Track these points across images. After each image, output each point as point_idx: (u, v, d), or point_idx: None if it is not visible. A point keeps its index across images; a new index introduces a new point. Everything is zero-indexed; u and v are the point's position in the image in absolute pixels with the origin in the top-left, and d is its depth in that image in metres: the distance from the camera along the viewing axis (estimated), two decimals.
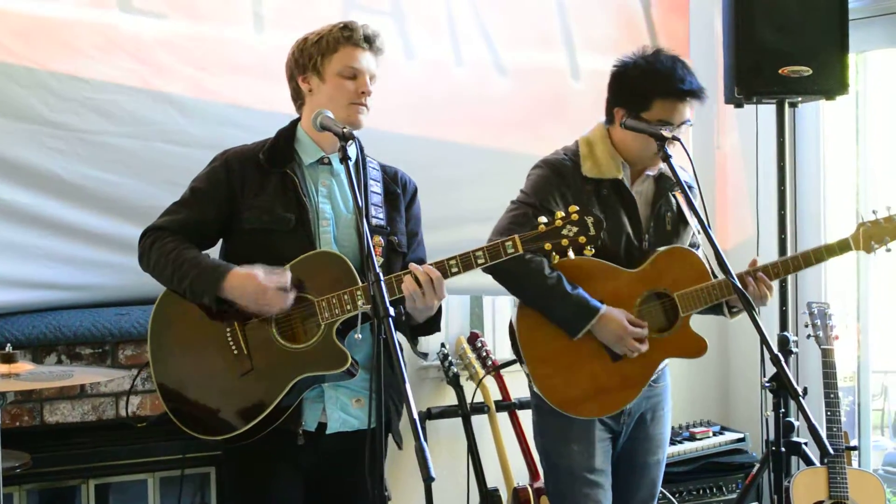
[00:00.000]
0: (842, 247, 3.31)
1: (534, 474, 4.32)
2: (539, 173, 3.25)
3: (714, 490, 4.74)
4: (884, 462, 5.58)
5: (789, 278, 4.51)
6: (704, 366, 4.38)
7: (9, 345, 2.98)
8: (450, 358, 4.50)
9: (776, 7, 4.34)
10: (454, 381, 4.43)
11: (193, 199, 2.94)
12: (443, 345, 4.57)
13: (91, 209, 3.72)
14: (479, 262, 2.79)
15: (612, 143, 3.26)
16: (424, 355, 3.62)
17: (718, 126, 5.29)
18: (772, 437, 3.04)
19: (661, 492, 4.43)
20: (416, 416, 2.16)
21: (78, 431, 3.84)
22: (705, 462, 4.82)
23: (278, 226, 2.85)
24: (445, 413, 4.48)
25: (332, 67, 2.88)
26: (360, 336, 2.75)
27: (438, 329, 3.03)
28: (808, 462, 4.06)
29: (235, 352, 2.82)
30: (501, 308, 4.96)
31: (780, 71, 4.30)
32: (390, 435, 2.97)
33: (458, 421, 4.39)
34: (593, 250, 2.75)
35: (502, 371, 4.47)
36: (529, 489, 4.32)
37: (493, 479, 4.36)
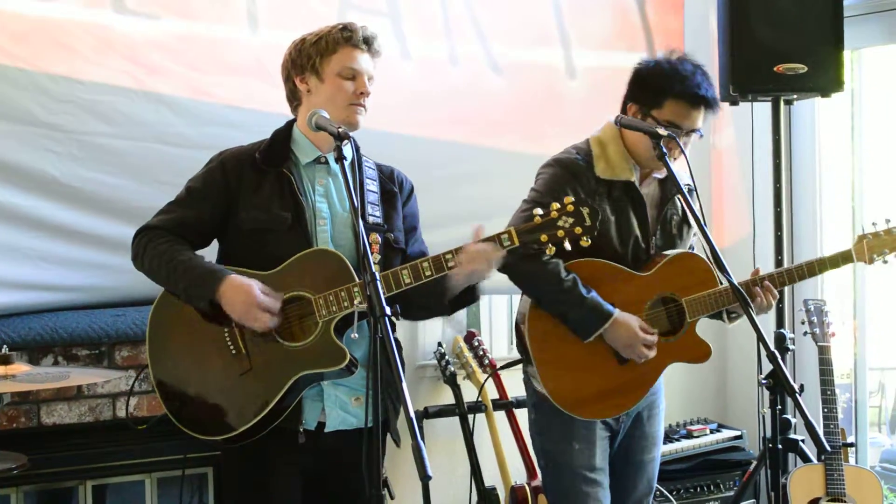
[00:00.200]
0: (844, 258, 3.34)
1: (531, 473, 4.32)
2: (552, 172, 3.23)
3: (711, 487, 4.75)
4: (881, 459, 5.59)
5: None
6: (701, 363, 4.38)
7: (5, 346, 2.98)
8: (447, 357, 4.50)
9: (771, 4, 4.35)
10: (451, 381, 4.43)
11: (189, 198, 2.94)
12: (440, 344, 4.57)
13: (86, 210, 3.72)
14: (450, 265, 2.78)
15: (625, 143, 3.25)
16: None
17: (714, 124, 5.29)
18: (769, 434, 3.04)
19: (659, 489, 4.46)
20: (412, 415, 2.17)
21: (75, 433, 3.84)
22: (702, 459, 4.82)
23: (275, 225, 2.85)
24: (443, 412, 4.48)
25: (331, 68, 2.88)
26: (356, 335, 2.74)
27: (478, 298, 3.01)
28: (806, 459, 4.06)
29: (234, 351, 2.82)
30: (498, 307, 4.96)
31: (775, 68, 4.30)
32: (388, 434, 2.98)
33: (456, 420, 4.39)
34: (589, 241, 2.74)
35: (496, 370, 4.48)
36: (527, 488, 4.32)
37: (491, 477, 4.37)
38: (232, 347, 2.82)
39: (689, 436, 4.88)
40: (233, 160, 2.94)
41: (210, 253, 2.97)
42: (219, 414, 2.84)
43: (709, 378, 5.31)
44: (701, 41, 4.91)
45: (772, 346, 2.76)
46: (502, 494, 4.37)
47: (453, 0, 4.38)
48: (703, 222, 3.01)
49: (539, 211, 2.77)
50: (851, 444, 4.18)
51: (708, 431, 4.94)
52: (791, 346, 4.17)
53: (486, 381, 4.33)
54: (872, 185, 5.13)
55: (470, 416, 4.36)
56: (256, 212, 2.86)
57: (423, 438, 2.14)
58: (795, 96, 4.53)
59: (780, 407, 2.95)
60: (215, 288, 2.76)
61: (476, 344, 4.58)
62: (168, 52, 3.79)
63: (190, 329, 2.86)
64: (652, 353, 3.17)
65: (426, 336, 4.74)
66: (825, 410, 3.97)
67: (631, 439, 3.38)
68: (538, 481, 4.17)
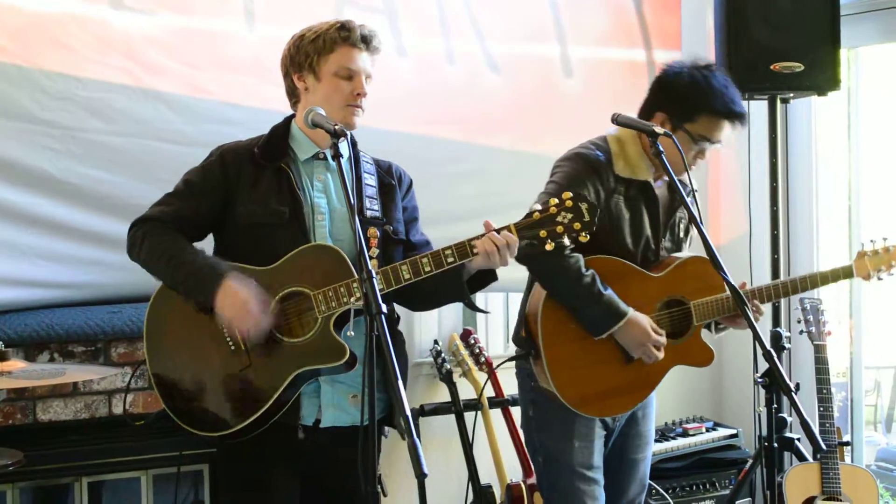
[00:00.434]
0: (845, 273, 3.42)
1: (527, 471, 4.32)
2: (573, 167, 3.22)
3: (707, 486, 4.75)
4: (876, 457, 5.59)
5: (782, 276, 4.51)
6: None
7: (1, 343, 2.97)
8: (443, 355, 4.50)
9: (768, 3, 4.36)
10: (447, 378, 4.43)
11: (187, 190, 2.93)
12: (436, 342, 4.58)
13: (83, 207, 3.72)
14: (475, 251, 2.78)
15: (643, 144, 3.25)
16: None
17: None
18: (764, 432, 3.04)
19: (655, 487, 4.46)
20: (408, 412, 2.16)
21: (71, 429, 3.83)
22: (698, 458, 4.83)
23: (272, 219, 2.85)
24: (439, 410, 4.48)
25: (328, 67, 2.88)
26: (352, 333, 2.74)
27: (496, 278, 2.98)
28: (801, 458, 4.06)
29: (233, 347, 2.81)
30: (494, 305, 4.96)
31: (771, 67, 4.31)
32: (389, 428, 2.98)
33: (452, 417, 4.39)
34: (588, 236, 2.74)
35: (494, 368, 4.48)
36: (523, 485, 4.32)
37: (487, 475, 4.37)
38: (231, 343, 2.81)
39: (684, 434, 4.88)
40: (231, 154, 2.94)
41: (206, 246, 2.96)
42: (218, 410, 2.83)
43: (705, 376, 5.30)
44: (697, 39, 4.92)
45: (768, 345, 2.76)
46: (498, 492, 4.37)
47: None
48: (699, 221, 3.02)
49: (538, 206, 2.77)
50: (847, 443, 4.18)
51: (704, 430, 4.94)
52: (787, 345, 4.18)
53: (486, 381, 4.32)
54: (869, 184, 5.14)
55: (466, 414, 4.37)
56: (254, 206, 2.86)
57: (419, 436, 2.14)
58: (792, 95, 4.53)
59: (775, 405, 2.95)
60: (216, 288, 2.75)
61: (472, 342, 4.58)
62: (165, 48, 3.79)
63: (188, 324, 2.86)
64: (661, 355, 3.19)
65: (422, 334, 4.74)
66: (821, 409, 3.97)
67: (625, 438, 3.40)
68: (534, 479, 4.17)
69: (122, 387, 3.86)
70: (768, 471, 3.04)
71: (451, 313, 4.83)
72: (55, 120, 3.62)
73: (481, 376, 4.50)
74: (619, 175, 3.22)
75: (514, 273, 3.10)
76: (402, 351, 2.98)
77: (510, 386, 4.23)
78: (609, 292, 3.13)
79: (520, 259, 2.98)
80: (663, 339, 3.19)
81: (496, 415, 4.46)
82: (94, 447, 3.78)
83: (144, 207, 2.98)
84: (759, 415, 3.12)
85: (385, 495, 2.57)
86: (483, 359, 4.52)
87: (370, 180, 3.00)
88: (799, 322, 4.09)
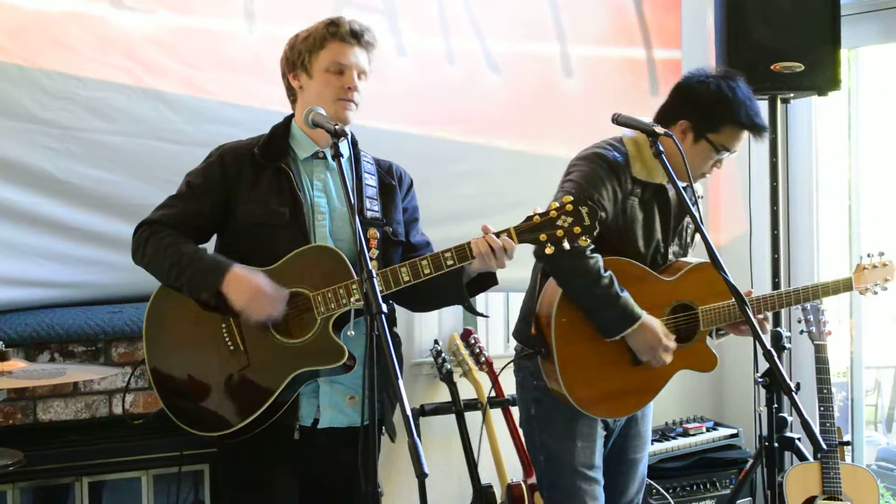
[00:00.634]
0: (845, 286, 3.50)
1: (527, 470, 4.32)
2: (593, 167, 3.20)
3: (707, 486, 4.75)
4: (877, 457, 5.59)
5: (782, 276, 4.51)
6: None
7: (1, 342, 2.97)
8: (443, 354, 4.50)
9: (768, 2, 4.35)
10: (447, 378, 4.43)
11: (190, 192, 2.93)
12: (436, 342, 4.57)
13: (83, 207, 3.71)
14: (473, 254, 2.78)
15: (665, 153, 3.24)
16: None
17: None
18: (765, 432, 3.04)
19: (656, 487, 4.46)
20: (409, 412, 2.16)
21: (71, 429, 3.83)
22: (699, 458, 4.83)
23: (272, 220, 2.85)
24: (439, 409, 4.48)
25: (319, 64, 2.88)
26: (352, 332, 2.74)
27: (496, 282, 2.98)
28: (802, 457, 4.06)
29: (231, 347, 2.81)
30: (494, 305, 4.96)
31: (772, 67, 4.30)
32: (383, 430, 2.98)
33: (452, 417, 4.39)
34: (588, 240, 2.74)
35: (495, 367, 4.48)
36: (523, 485, 4.32)
37: (487, 475, 4.37)
38: (230, 343, 2.81)
39: (685, 434, 4.88)
40: (231, 154, 2.94)
41: (209, 249, 2.96)
42: (217, 410, 2.83)
43: (705, 376, 5.23)
44: (698, 39, 4.92)
45: (768, 345, 2.76)
46: (498, 492, 4.37)
47: None
48: (700, 222, 3.01)
49: (539, 209, 2.77)
50: (847, 443, 4.18)
51: (704, 430, 4.94)
52: (787, 345, 4.17)
53: (493, 382, 4.32)
54: (869, 184, 5.14)
55: (466, 414, 4.37)
56: (254, 206, 2.86)
57: (419, 436, 2.14)
58: (792, 95, 4.53)
59: (776, 405, 2.95)
60: (221, 278, 2.75)
61: (472, 341, 4.58)
62: (165, 47, 3.79)
63: (187, 324, 2.86)
64: (669, 359, 3.19)
65: (422, 334, 4.74)
66: (821, 409, 3.97)
67: (625, 438, 3.41)
68: (534, 479, 4.17)
69: (122, 387, 3.85)
70: (769, 470, 3.04)
71: (452, 313, 4.83)
72: (55, 119, 3.62)
73: (481, 376, 4.50)
74: (636, 177, 3.22)
75: (514, 273, 3.09)
76: (398, 352, 2.98)
77: (511, 386, 4.24)
78: (625, 295, 3.12)
79: (540, 258, 2.96)
80: (674, 344, 3.19)
81: (496, 415, 4.46)
82: (94, 447, 3.77)
83: (144, 207, 2.98)
84: (760, 414, 3.11)
85: (382, 494, 2.56)
86: (483, 358, 4.52)
87: (370, 180, 3.00)
88: (799, 322, 4.09)
